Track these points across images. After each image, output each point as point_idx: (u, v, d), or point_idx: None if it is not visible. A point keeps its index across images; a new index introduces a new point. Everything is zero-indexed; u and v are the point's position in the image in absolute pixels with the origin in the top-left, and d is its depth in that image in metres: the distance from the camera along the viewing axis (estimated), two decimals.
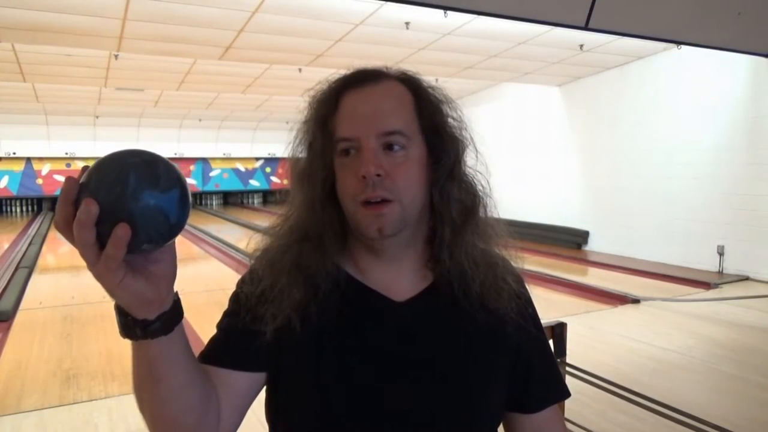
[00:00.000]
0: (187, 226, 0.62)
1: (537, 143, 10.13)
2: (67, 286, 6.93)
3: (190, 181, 16.11)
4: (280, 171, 18.83)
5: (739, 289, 6.34)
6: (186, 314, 0.69)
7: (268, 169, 18.91)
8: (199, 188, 17.77)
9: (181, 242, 0.65)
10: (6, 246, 10.27)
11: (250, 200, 19.60)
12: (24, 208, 16.64)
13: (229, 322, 0.83)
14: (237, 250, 8.68)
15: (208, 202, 18.74)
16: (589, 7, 4.08)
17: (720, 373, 3.94)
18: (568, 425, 2.54)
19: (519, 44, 7.07)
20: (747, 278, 6.78)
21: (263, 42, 6.56)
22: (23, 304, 5.93)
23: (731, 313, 5.38)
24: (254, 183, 18.95)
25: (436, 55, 7.49)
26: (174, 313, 0.66)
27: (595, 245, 9.05)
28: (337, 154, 0.79)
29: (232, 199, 19.32)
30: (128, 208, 0.55)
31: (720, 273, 7.03)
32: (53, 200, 16.57)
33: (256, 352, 0.79)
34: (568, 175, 9.54)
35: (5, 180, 15.74)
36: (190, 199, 0.61)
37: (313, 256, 0.81)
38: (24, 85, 9.64)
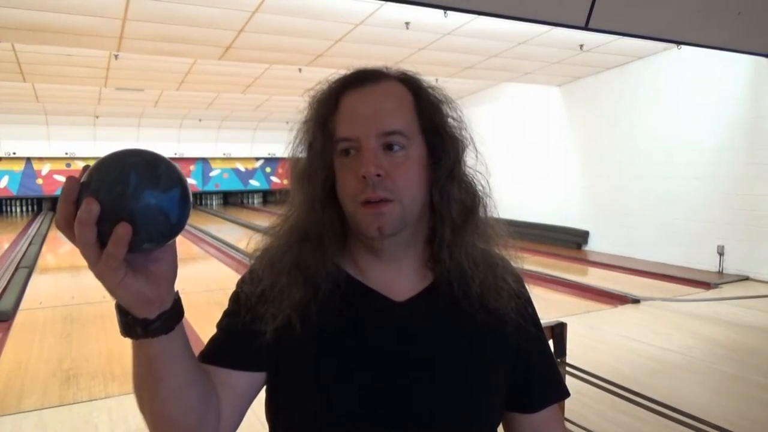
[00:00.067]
0: (187, 226, 0.62)
1: (537, 143, 10.13)
2: (67, 286, 6.93)
3: (190, 181, 16.08)
4: (280, 171, 18.83)
5: (739, 289, 6.34)
6: (186, 314, 0.69)
7: (268, 169, 18.91)
8: (199, 188, 17.77)
9: (181, 242, 0.65)
10: (6, 246, 10.27)
11: (250, 200, 19.60)
12: (24, 208, 16.64)
13: (229, 322, 0.83)
14: (237, 250, 8.68)
15: (208, 202, 18.74)
16: (589, 7, 4.08)
17: (720, 373, 3.94)
18: (568, 425, 2.54)
19: (519, 44, 7.07)
20: (747, 278, 6.78)
21: (263, 42, 6.56)
22: (23, 304, 5.93)
23: (731, 313, 5.38)
24: (254, 183, 18.96)
25: (436, 55, 7.49)
26: (174, 313, 0.66)
27: (595, 245, 9.05)
28: (337, 154, 0.79)
29: (232, 199, 19.33)
30: (129, 208, 0.55)
31: (720, 273, 7.03)
32: (53, 200, 16.58)
33: (256, 352, 0.79)
34: (568, 175, 9.54)
35: (5, 180, 15.74)
36: (191, 198, 0.61)
37: (313, 256, 0.81)
38: (24, 85, 9.64)
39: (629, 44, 7.06)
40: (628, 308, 5.66)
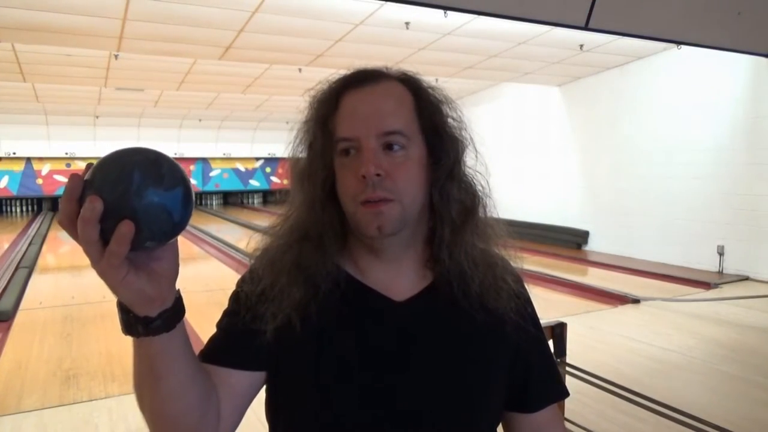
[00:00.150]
0: (187, 226, 0.62)
1: (537, 143, 10.13)
2: (67, 286, 6.94)
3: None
4: (280, 171, 18.83)
5: (739, 289, 6.34)
6: (186, 314, 0.69)
7: (268, 169, 18.92)
8: (199, 188, 17.78)
9: (181, 242, 0.65)
10: (6, 246, 10.26)
11: (250, 200, 19.60)
12: (24, 208, 16.65)
13: (229, 321, 0.83)
14: (237, 250, 8.69)
15: (208, 202, 18.75)
16: (589, 7, 4.08)
17: (720, 373, 3.94)
18: (568, 425, 2.54)
19: (519, 44, 7.07)
20: (747, 278, 6.78)
21: (263, 42, 6.56)
22: (23, 304, 5.93)
23: (731, 313, 5.38)
24: (254, 183, 18.96)
25: (436, 55, 7.49)
26: (175, 311, 0.66)
27: (595, 245, 9.06)
28: (337, 153, 0.80)
29: (232, 199, 19.33)
30: (132, 206, 0.56)
31: (720, 273, 7.03)
32: (53, 200, 16.58)
33: (256, 352, 0.79)
34: (568, 175, 9.54)
35: (5, 180, 15.74)
36: (194, 198, 0.62)
37: (313, 256, 0.81)
38: (24, 85, 9.64)
39: (629, 44, 7.06)
40: (628, 308, 5.66)
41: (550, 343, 2.27)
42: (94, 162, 0.59)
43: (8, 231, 12.66)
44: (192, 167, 17.47)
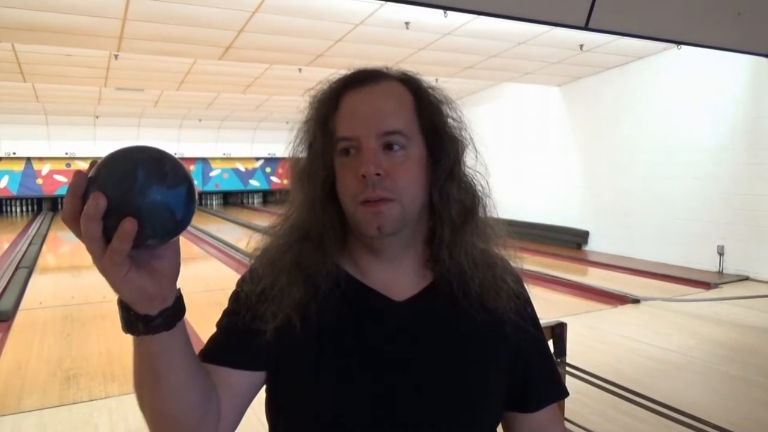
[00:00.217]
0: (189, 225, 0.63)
1: (537, 143, 10.14)
2: (67, 286, 6.94)
3: None
4: (280, 171, 18.84)
5: (739, 289, 6.34)
6: (186, 314, 0.69)
7: (268, 169, 18.92)
8: (199, 188, 17.74)
9: (181, 242, 0.65)
10: (6, 246, 10.26)
11: (250, 200, 19.61)
12: (24, 208, 16.65)
13: (229, 321, 0.83)
14: (237, 250, 8.69)
15: (208, 202, 18.75)
16: (589, 7, 4.08)
17: (720, 374, 3.94)
18: (569, 425, 2.54)
19: (519, 44, 7.07)
20: (747, 278, 6.78)
21: (263, 42, 6.56)
22: (23, 304, 5.93)
23: (731, 313, 5.38)
24: (254, 183, 18.97)
25: (436, 55, 7.49)
26: (176, 310, 0.67)
27: (595, 245, 9.06)
28: (337, 153, 0.80)
29: (232, 199, 19.34)
30: (135, 203, 0.56)
31: (720, 273, 7.03)
32: (53, 200, 16.59)
33: (256, 351, 0.79)
34: (568, 175, 9.54)
35: (5, 180, 15.75)
36: (197, 197, 0.62)
37: (314, 256, 0.81)
38: (24, 85, 9.64)
39: (629, 44, 7.06)
40: (628, 308, 5.66)
41: (550, 343, 2.27)
42: (98, 160, 0.59)
43: (8, 231, 12.66)
44: (192, 167, 17.46)
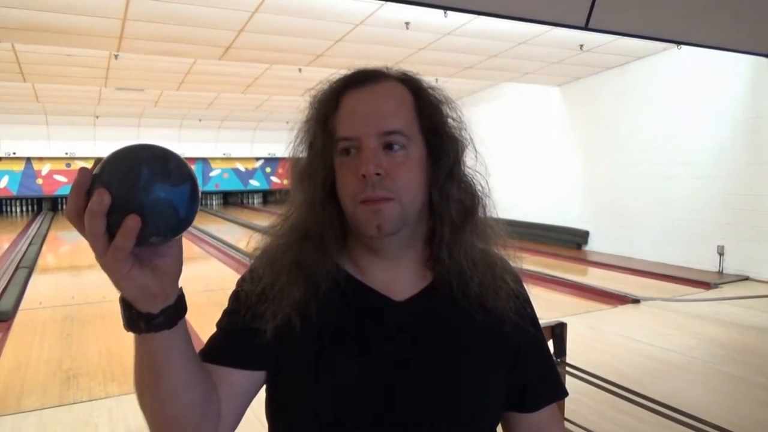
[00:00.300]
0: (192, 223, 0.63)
1: (537, 143, 10.14)
2: (67, 286, 6.93)
3: None
4: (280, 171, 18.84)
5: (739, 289, 6.34)
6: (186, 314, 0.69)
7: (268, 169, 18.93)
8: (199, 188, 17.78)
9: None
10: (6, 246, 10.26)
11: (250, 200, 19.62)
12: (24, 208, 16.65)
13: (229, 321, 0.83)
14: (237, 250, 8.69)
15: (208, 202, 18.75)
16: (589, 7, 4.08)
17: (720, 374, 3.94)
18: (569, 425, 2.54)
19: (519, 44, 7.07)
20: (747, 278, 6.78)
21: (263, 42, 6.56)
22: (23, 304, 5.93)
23: (731, 313, 5.38)
24: (254, 183, 18.97)
25: (436, 55, 7.49)
26: (178, 308, 0.67)
27: (595, 245, 9.06)
28: (337, 153, 0.80)
29: (232, 199, 19.34)
30: (139, 200, 0.56)
31: (720, 273, 7.04)
32: (53, 200, 16.59)
33: (256, 351, 0.79)
34: (568, 175, 9.54)
35: (5, 180, 15.75)
36: (200, 195, 0.62)
37: (314, 255, 0.81)
38: (24, 85, 9.64)
39: (629, 44, 7.06)
40: (628, 308, 5.66)
41: (550, 343, 2.27)
42: (103, 158, 0.59)
43: (8, 231, 12.66)
44: (192, 167, 17.43)
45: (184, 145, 16.38)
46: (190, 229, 0.62)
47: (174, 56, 7.33)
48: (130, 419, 3.13)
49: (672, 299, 5.90)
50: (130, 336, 0.67)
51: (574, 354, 2.55)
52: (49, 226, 12.98)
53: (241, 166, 18.59)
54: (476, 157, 0.86)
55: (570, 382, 2.27)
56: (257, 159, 18.63)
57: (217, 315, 0.85)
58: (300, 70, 8.19)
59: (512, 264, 0.89)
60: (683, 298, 5.97)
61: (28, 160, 15.80)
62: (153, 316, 0.64)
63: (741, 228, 6.91)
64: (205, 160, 17.76)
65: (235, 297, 0.84)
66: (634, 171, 8.25)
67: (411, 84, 0.83)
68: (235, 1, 5.31)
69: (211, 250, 9.60)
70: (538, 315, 0.93)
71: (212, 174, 18.19)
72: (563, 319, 2.38)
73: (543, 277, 6.62)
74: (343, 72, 0.84)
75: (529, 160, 10.25)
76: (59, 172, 16.03)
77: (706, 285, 6.47)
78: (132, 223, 0.56)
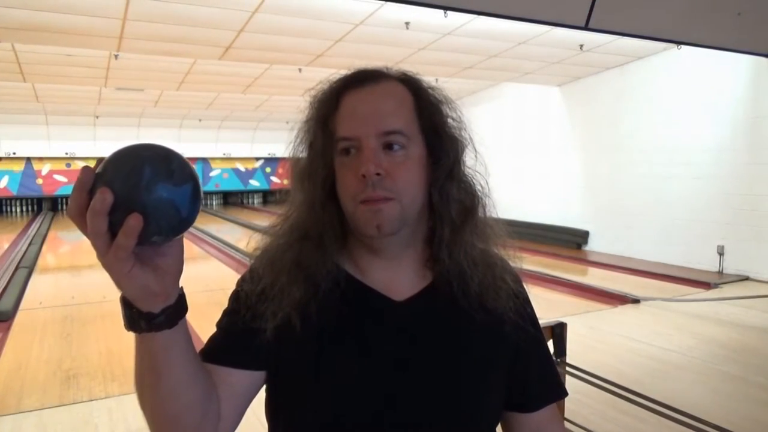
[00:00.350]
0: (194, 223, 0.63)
1: (537, 143, 10.14)
2: (67, 286, 6.94)
3: None
4: (280, 171, 18.85)
5: (739, 289, 6.34)
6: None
7: (268, 169, 18.93)
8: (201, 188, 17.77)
9: None
10: (6, 246, 10.26)
11: (250, 200, 19.62)
12: (24, 208, 16.65)
13: (229, 321, 0.83)
14: (237, 250, 8.69)
15: (208, 202, 18.74)
16: (589, 7, 4.08)
17: (720, 374, 3.94)
18: (568, 425, 2.54)
19: (519, 44, 7.07)
20: (747, 278, 6.78)
21: (263, 42, 6.56)
22: (23, 304, 5.93)
23: (731, 313, 5.38)
24: (254, 183, 18.97)
25: (436, 55, 7.49)
26: (178, 308, 0.67)
27: (595, 245, 9.06)
28: (337, 153, 0.80)
29: (232, 199, 19.34)
30: (142, 199, 0.57)
31: (720, 273, 7.03)
32: (53, 200, 16.59)
33: (256, 351, 0.79)
34: (568, 175, 9.54)
35: (5, 180, 15.75)
36: (202, 195, 0.62)
37: (314, 255, 0.81)
38: (24, 85, 9.64)
39: (629, 44, 7.06)
40: (628, 308, 5.66)
41: (550, 343, 2.27)
42: (105, 158, 0.60)
43: (8, 231, 12.66)
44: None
45: (184, 145, 16.38)
46: (190, 229, 0.63)
47: (174, 56, 7.33)
48: (130, 419, 3.13)
49: (672, 299, 5.90)
50: (130, 336, 0.67)
51: (574, 354, 2.55)
52: (49, 226, 12.99)
53: (241, 166, 18.59)
54: (476, 156, 0.86)
55: (570, 382, 2.27)
56: (257, 159, 18.63)
57: (217, 315, 0.85)
58: (300, 70, 8.19)
59: (512, 264, 0.89)
60: (683, 298, 5.97)
61: (28, 160, 15.80)
62: (154, 316, 0.64)
63: (741, 228, 6.91)
64: (205, 160, 17.76)
65: (235, 297, 0.84)
66: (634, 171, 8.25)
67: (411, 84, 0.83)
68: (235, 1, 5.31)
69: (211, 250, 9.60)
70: (538, 315, 0.93)
71: (212, 174, 18.19)
72: (563, 319, 2.38)
73: (543, 277, 6.62)
74: (343, 72, 0.84)
75: (529, 160, 10.25)
76: (59, 172, 16.03)
77: (706, 285, 6.47)
78: (134, 222, 0.56)
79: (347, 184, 0.78)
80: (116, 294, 0.64)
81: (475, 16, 5.48)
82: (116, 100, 11.69)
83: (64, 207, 16.47)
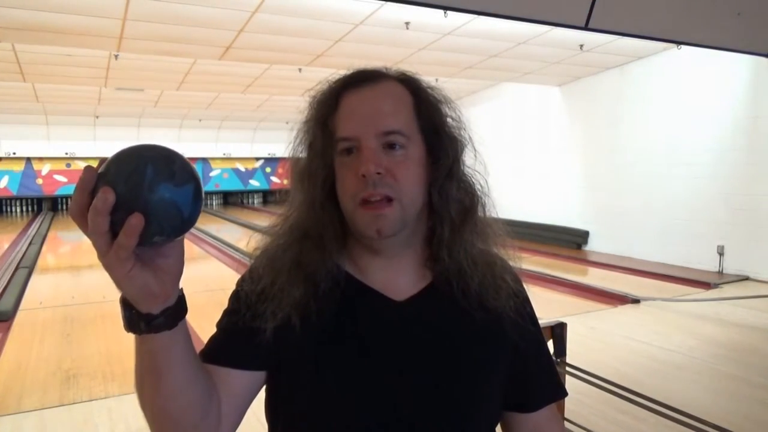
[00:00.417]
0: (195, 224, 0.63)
1: (537, 143, 10.14)
2: (67, 286, 6.94)
3: None
4: (280, 171, 18.85)
5: (739, 289, 6.34)
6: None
7: (268, 169, 18.93)
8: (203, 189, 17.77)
9: None
10: (6, 246, 10.26)
11: (250, 200, 19.62)
12: (24, 208, 16.65)
13: (229, 321, 0.83)
14: (237, 250, 8.69)
15: (208, 202, 18.75)
16: (589, 7, 4.08)
17: (720, 373, 3.94)
18: (568, 425, 2.54)
19: (519, 44, 7.07)
20: (747, 278, 6.78)
21: (263, 42, 6.56)
22: (23, 304, 5.93)
23: (731, 313, 5.38)
24: (254, 183, 18.98)
25: (436, 55, 7.49)
26: (178, 309, 0.67)
27: (595, 245, 9.05)
28: (337, 153, 0.80)
29: (232, 199, 19.34)
30: (143, 200, 0.57)
31: (720, 273, 7.03)
32: (53, 200, 16.59)
33: (256, 351, 0.79)
34: (568, 175, 9.54)
35: (5, 180, 15.75)
36: (203, 196, 0.62)
37: (313, 255, 0.81)
38: (24, 85, 9.64)
39: (629, 44, 7.06)
40: (628, 308, 5.66)
41: (550, 343, 2.27)
42: (107, 157, 0.60)
43: (8, 231, 12.65)
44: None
45: (184, 145, 16.37)
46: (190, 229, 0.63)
47: (174, 56, 7.33)
48: (130, 419, 3.13)
49: (672, 299, 5.89)
50: (130, 336, 0.67)
51: (574, 354, 2.55)
52: (49, 226, 12.98)
53: (241, 166, 18.59)
54: (475, 156, 0.86)
55: (570, 382, 2.27)
56: (257, 159, 18.63)
57: (217, 315, 0.85)
58: (300, 70, 8.19)
59: (511, 263, 0.89)
60: (683, 298, 5.97)
61: (28, 160, 15.80)
62: (153, 317, 0.64)
63: (741, 228, 6.91)
64: (205, 160, 17.76)
65: (235, 297, 0.84)
66: (634, 171, 8.25)
67: (410, 84, 0.84)
68: (235, 1, 5.31)
69: (211, 250, 9.60)
70: (538, 315, 0.93)
71: (212, 174, 18.19)
72: (563, 319, 2.38)
73: (543, 277, 6.62)
74: (343, 72, 0.84)
75: (529, 159, 10.24)
76: (59, 172, 16.03)
77: (706, 285, 6.47)
78: (135, 222, 0.56)
79: (347, 184, 0.78)
80: (116, 294, 0.64)
81: (475, 16, 5.47)
82: (116, 100, 11.69)
83: (64, 207, 16.48)
